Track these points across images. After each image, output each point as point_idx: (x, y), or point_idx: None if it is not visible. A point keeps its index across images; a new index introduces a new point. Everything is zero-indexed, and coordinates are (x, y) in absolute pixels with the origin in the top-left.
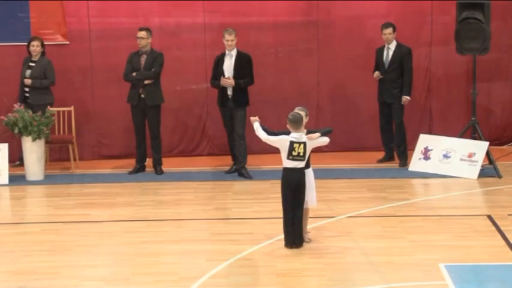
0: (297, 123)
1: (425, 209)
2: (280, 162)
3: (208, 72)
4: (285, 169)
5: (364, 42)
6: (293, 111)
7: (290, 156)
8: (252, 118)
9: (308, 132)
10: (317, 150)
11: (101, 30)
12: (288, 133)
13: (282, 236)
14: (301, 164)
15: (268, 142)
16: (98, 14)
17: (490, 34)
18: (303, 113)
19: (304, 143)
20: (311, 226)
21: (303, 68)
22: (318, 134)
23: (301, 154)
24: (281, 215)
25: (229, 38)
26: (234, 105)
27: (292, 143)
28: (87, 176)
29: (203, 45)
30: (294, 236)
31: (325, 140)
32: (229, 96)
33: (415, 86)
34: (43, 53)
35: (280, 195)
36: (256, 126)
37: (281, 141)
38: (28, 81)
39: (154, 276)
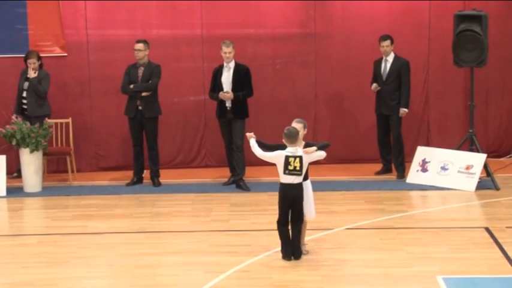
0: (292, 137)
1: (423, 221)
2: (278, 175)
3: (206, 84)
4: (282, 184)
5: (361, 54)
6: (289, 126)
7: (286, 170)
8: (248, 134)
9: (306, 145)
10: (314, 162)
11: (99, 42)
12: (284, 146)
13: (280, 248)
14: (298, 179)
15: (264, 159)
16: (96, 26)
17: (487, 46)
18: (300, 125)
19: (300, 157)
20: (309, 238)
21: (301, 80)
22: (314, 148)
23: (298, 168)
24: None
25: (226, 50)
26: (233, 116)
27: (287, 157)
28: (84, 188)
29: (201, 57)
30: (293, 248)
31: (321, 154)
32: (228, 108)
33: (412, 98)
34: (41, 66)
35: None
36: (252, 143)
37: (276, 157)
38: (32, 74)
39: (152, 287)
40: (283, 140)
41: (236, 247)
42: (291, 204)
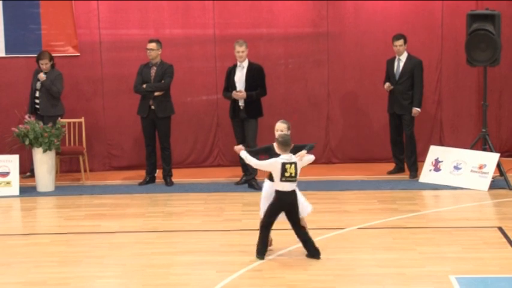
0: (287, 145)
1: (436, 221)
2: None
3: (218, 83)
4: (278, 192)
5: (374, 53)
6: (281, 133)
7: (283, 178)
8: (236, 148)
9: (295, 147)
10: (327, 161)
11: (112, 41)
12: (271, 149)
13: (293, 248)
14: (292, 186)
15: (260, 168)
16: (109, 25)
17: (500, 45)
18: (285, 126)
19: (295, 163)
20: (321, 238)
21: (313, 79)
22: (304, 152)
23: (293, 175)
24: (290, 226)
25: (240, 50)
26: (246, 116)
27: (284, 164)
28: (97, 188)
29: (213, 56)
30: (312, 251)
31: (311, 158)
32: (241, 108)
33: (425, 97)
34: (53, 66)
35: None
36: (244, 155)
37: (272, 165)
38: (42, 76)
39: (164, 287)
40: (277, 147)
41: (248, 246)
42: (288, 211)
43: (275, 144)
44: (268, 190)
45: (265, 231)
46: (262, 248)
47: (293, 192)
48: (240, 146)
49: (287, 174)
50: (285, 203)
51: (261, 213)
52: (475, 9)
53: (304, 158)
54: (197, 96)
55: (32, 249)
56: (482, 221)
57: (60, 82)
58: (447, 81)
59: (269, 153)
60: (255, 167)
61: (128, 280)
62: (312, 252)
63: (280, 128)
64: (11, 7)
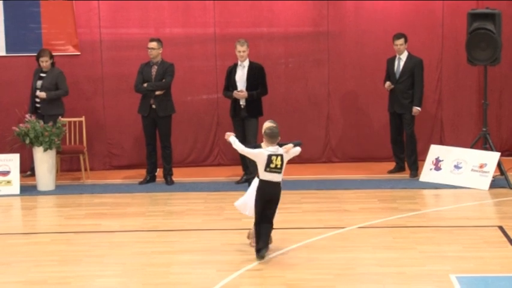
0: (274, 137)
1: (436, 220)
2: (290, 173)
3: (219, 82)
4: (261, 181)
5: (374, 52)
6: (269, 125)
7: (268, 168)
8: (227, 134)
9: (280, 145)
10: (327, 160)
11: (112, 40)
12: (259, 148)
13: (293, 247)
14: (277, 178)
15: (246, 154)
16: (109, 24)
17: (501, 44)
18: (273, 125)
19: (282, 156)
20: (321, 237)
21: (314, 79)
22: (291, 145)
23: (279, 166)
24: (291, 225)
25: (241, 49)
26: (247, 115)
27: (270, 156)
28: (97, 187)
29: (214, 55)
30: (261, 246)
31: (297, 150)
32: (242, 107)
33: (426, 96)
34: (53, 64)
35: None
36: (233, 140)
37: (259, 155)
38: (42, 95)
39: (164, 286)
40: (264, 139)
41: (249, 246)
42: (268, 201)
43: (263, 141)
44: (254, 187)
45: (256, 224)
46: (259, 242)
47: (277, 184)
48: (231, 133)
49: (272, 165)
50: (267, 193)
51: (247, 212)
52: (476, 8)
53: (291, 151)
54: (197, 96)
55: (33, 248)
56: (482, 220)
57: (63, 82)
58: (447, 81)
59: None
60: (240, 152)
61: (128, 279)
62: (261, 244)
63: (268, 126)
64: (12, 6)
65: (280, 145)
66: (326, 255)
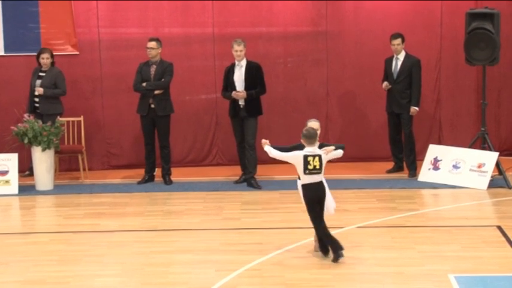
0: (311, 138)
1: (435, 220)
2: (289, 173)
3: (218, 82)
4: (305, 186)
5: (373, 52)
6: (307, 126)
7: (307, 170)
8: (263, 141)
9: (321, 145)
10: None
11: (111, 40)
12: (299, 147)
13: (291, 247)
14: (319, 178)
15: (282, 159)
16: (108, 24)
17: (499, 44)
18: (317, 124)
19: (320, 156)
20: None
21: (312, 78)
22: (332, 148)
23: (318, 167)
24: (291, 225)
25: (237, 49)
26: (246, 114)
27: (306, 157)
28: (96, 186)
29: (212, 55)
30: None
31: (339, 153)
32: (241, 106)
33: (424, 96)
34: (53, 64)
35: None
36: (268, 149)
37: (294, 157)
38: (40, 90)
39: (163, 286)
40: (302, 141)
41: (247, 245)
42: (317, 202)
43: (302, 140)
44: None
45: (319, 228)
46: (332, 244)
47: (321, 184)
48: (267, 141)
49: (310, 167)
50: (314, 195)
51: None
52: (474, 8)
53: (331, 153)
54: (196, 95)
55: (31, 248)
56: (481, 220)
57: (63, 83)
58: (446, 80)
59: (297, 149)
60: (278, 158)
61: (127, 279)
62: (333, 248)
63: (312, 125)
64: (11, 6)
65: (322, 145)
66: (325, 255)
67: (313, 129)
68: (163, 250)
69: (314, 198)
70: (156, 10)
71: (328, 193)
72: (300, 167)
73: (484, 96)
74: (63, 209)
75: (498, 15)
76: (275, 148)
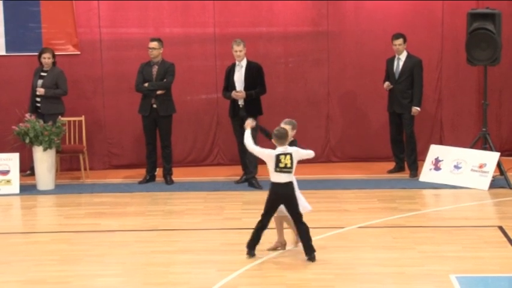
0: (282, 138)
1: (436, 220)
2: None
3: (218, 82)
4: (273, 184)
5: (374, 52)
6: (279, 126)
7: (277, 168)
8: (247, 122)
9: (291, 143)
10: (327, 160)
11: (112, 40)
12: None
13: (291, 247)
14: (288, 177)
15: (254, 152)
16: (109, 24)
17: (500, 44)
18: (289, 126)
19: (291, 154)
20: (321, 236)
21: (313, 78)
22: (251, 120)
23: (289, 166)
24: (288, 225)
25: (237, 49)
26: (246, 114)
27: (278, 156)
28: (97, 186)
29: (213, 55)
30: (306, 249)
31: (310, 153)
32: (241, 106)
33: (426, 96)
34: (54, 64)
35: None
36: (247, 135)
37: (267, 155)
38: (41, 90)
39: (164, 286)
40: (273, 141)
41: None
42: (284, 202)
43: (273, 140)
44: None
45: (259, 223)
46: (251, 241)
47: (289, 184)
48: (253, 123)
49: (281, 165)
50: (281, 196)
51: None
52: (476, 8)
53: (302, 151)
54: (197, 95)
55: (32, 248)
56: (482, 220)
57: (64, 83)
58: (447, 81)
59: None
60: (249, 149)
61: (128, 278)
62: (309, 251)
63: (284, 126)
64: (12, 6)
65: (292, 143)
66: (326, 255)
67: (283, 129)
68: (164, 250)
69: (278, 198)
70: (156, 10)
71: (299, 193)
72: (271, 165)
73: (486, 97)
74: (64, 208)
75: (499, 15)
76: (261, 130)
